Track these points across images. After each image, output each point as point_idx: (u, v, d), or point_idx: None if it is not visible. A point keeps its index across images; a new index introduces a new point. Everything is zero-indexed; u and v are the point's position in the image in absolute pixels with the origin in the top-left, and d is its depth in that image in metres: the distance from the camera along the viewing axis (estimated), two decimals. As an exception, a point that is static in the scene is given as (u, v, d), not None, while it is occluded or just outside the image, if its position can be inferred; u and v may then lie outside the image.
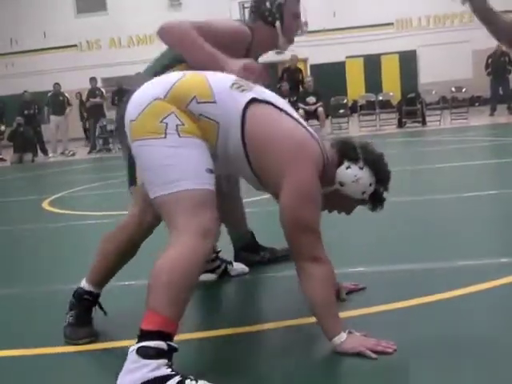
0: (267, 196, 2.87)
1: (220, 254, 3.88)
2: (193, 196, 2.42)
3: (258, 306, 3.55)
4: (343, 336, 2.56)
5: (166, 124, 2.47)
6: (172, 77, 2.63)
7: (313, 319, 2.67)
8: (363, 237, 4.72)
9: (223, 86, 2.60)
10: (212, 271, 3.85)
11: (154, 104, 2.50)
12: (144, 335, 2.27)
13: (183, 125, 2.48)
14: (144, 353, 2.23)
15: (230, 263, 3.94)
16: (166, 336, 2.27)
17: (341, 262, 4.00)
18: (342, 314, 2.99)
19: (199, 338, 2.95)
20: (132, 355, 2.25)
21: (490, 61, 18.57)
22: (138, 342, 2.26)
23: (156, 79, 2.67)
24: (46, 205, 7.92)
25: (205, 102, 2.53)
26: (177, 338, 2.34)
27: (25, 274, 4.62)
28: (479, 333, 2.70)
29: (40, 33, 25.59)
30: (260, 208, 5.40)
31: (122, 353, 2.35)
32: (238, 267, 3.96)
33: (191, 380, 2.25)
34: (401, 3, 24.74)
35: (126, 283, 3.78)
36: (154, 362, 2.22)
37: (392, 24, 25.91)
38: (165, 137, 2.46)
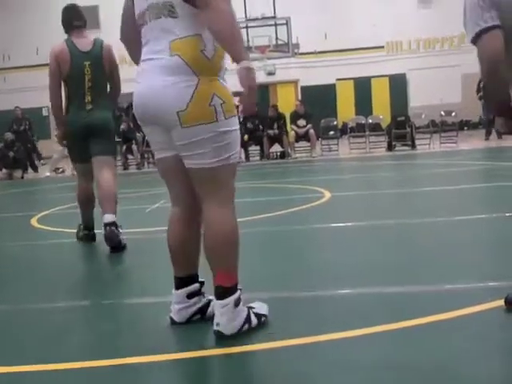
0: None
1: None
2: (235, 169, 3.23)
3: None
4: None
5: (214, 107, 3.04)
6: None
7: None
8: (351, 259, 4.73)
9: None
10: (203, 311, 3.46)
11: (199, 90, 3.02)
12: (227, 290, 3.04)
13: (224, 102, 3.08)
14: (237, 302, 3.07)
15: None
16: (237, 286, 3.10)
17: (328, 283, 4.03)
18: (326, 337, 3.01)
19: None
20: (228, 307, 3.03)
21: (481, 85, 18.61)
22: (222, 297, 3.03)
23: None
24: (34, 222, 7.90)
25: None
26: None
27: (9, 291, 4.60)
28: (462, 358, 2.71)
29: (33, 49, 25.63)
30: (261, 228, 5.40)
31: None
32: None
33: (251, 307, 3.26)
34: (391, 27, 24.96)
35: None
36: (242, 307, 3.13)
37: (383, 47, 26.14)
38: (216, 121, 3.05)
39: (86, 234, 6.18)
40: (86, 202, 6.11)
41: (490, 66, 2.91)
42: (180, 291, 3.35)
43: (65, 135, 5.93)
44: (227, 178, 3.15)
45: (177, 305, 3.36)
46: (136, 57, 3.34)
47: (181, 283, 3.35)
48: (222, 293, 3.03)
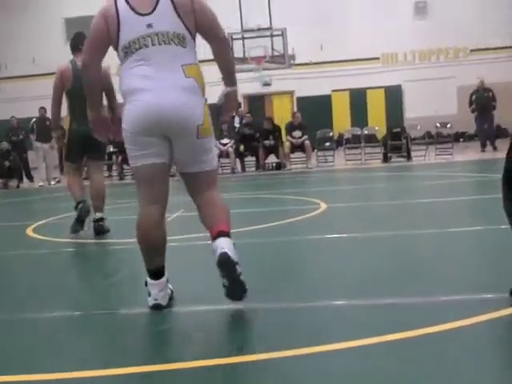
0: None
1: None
2: None
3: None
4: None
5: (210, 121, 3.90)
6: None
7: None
8: (346, 270, 4.74)
9: None
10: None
11: (205, 109, 3.86)
12: (226, 233, 3.72)
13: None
14: (229, 236, 3.73)
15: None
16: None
17: (323, 294, 4.03)
18: (321, 348, 3.01)
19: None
20: (227, 241, 3.67)
21: (473, 97, 18.62)
22: (223, 236, 3.68)
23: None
24: (29, 231, 7.89)
25: None
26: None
27: (4, 300, 4.60)
28: (456, 370, 2.71)
29: (29, 58, 25.70)
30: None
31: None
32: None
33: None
34: (387, 38, 25.04)
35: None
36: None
37: (378, 58, 26.22)
38: (212, 134, 3.95)
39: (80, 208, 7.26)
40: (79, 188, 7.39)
41: None
42: (162, 279, 3.92)
43: (62, 137, 7.37)
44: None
45: (161, 292, 3.90)
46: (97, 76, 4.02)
47: (161, 272, 3.93)
48: (227, 234, 3.73)
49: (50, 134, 17.79)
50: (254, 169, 17.44)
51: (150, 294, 3.90)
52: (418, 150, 17.22)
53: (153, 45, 3.71)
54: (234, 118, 18.52)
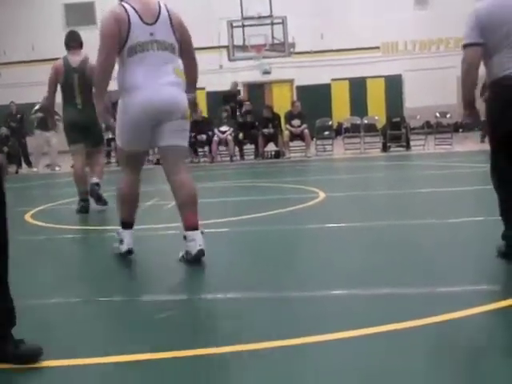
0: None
1: None
2: None
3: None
4: None
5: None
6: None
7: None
8: (344, 260, 4.75)
9: None
10: None
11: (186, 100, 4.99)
12: (197, 225, 4.75)
13: None
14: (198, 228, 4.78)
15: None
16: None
17: (321, 284, 4.04)
18: (318, 338, 3.01)
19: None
20: (199, 234, 4.72)
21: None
22: (193, 229, 4.72)
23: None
24: (28, 217, 7.89)
25: None
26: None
27: None
28: (454, 359, 2.72)
29: (28, 45, 25.61)
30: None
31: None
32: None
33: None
34: (387, 28, 24.98)
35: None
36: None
37: (378, 48, 26.16)
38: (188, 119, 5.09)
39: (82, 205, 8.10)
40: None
41: (466, 68, 4.30)
42: (133, 230, 5.15)
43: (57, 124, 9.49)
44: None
45: (131, 239, 5.10)
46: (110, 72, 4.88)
47: (132, 224, 5.15)
48: (196, 226, 4.77)
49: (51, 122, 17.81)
50: (252, 157, 17.42)
51: (122, 242, 5.10)
52: (418, 140, 17.20)
53: (152, 50, 4.75)
54: (233, 107, 18.47)
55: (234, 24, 20.21)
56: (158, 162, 17.33)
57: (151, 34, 4.71)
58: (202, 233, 4.74)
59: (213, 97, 23.24)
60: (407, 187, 9.40)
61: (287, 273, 4.43)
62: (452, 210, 6.81)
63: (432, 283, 3.89)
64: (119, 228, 5.14)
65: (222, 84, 22.04)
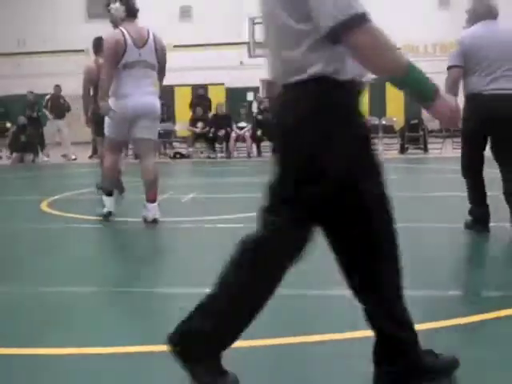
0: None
1: None
2: None
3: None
4: None
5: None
6: None
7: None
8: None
9: None
10: None
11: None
12: (154, 201, 6.38)
13: None
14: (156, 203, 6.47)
15: None
16: None
17: (318, 284, 3.98)
18: (313, 338, 2.99)
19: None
20: (155, 206, 6.39)
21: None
22: (152, 202, 6.37)
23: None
24: (44, 206, 7.92)
25: None
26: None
27: (17, 273, 4.63)
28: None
29: (49, 35, 25.66)
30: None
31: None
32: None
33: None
34: (408, 30, 24.83)
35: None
36: None
37: (399, 50, 26.03)
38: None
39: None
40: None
41: (450, 84, 5.49)
42: (113, 197, 6.85)
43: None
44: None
45: (111, 204, 6.76)
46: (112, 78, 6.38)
47: (112, 192, 6.89)
48: (154, 200, 6.36)
49: (64, 110, 17.97)
50: (269, 154, 17.34)
51: (105, 206, 6.72)
52: (435, 143, 17.12)
53: (139, 67, 6.38)
54: (251, 103, 18.44)
55: (256, 21, 20.18)
56: (174, 156, 17.40)
57: (139, 55, 6.35)
58: (158, 204, 6.43)
59: (233, 93, 23.27)
60: (422, 190, 9.36)
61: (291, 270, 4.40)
62: (463, 215, 6.76)
63: (443, 286, 3.87)
64: (106, 197, 6.77)
65: (242, 81, 22.05)
